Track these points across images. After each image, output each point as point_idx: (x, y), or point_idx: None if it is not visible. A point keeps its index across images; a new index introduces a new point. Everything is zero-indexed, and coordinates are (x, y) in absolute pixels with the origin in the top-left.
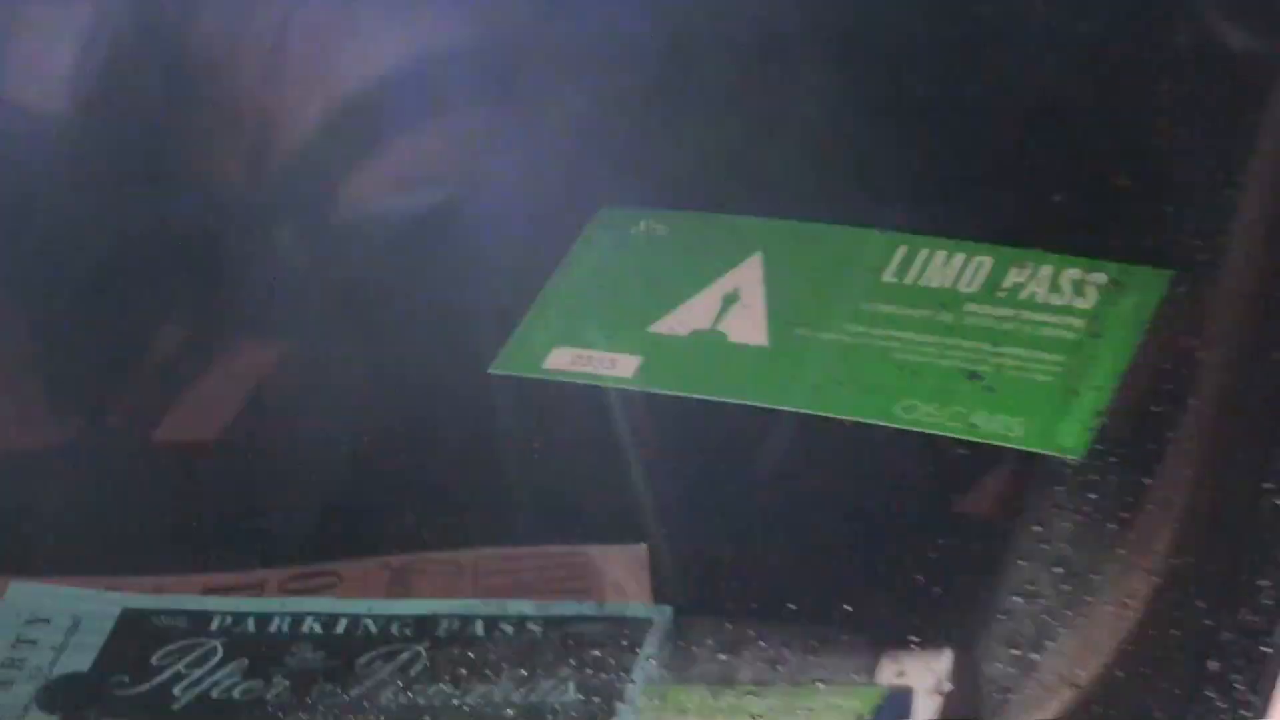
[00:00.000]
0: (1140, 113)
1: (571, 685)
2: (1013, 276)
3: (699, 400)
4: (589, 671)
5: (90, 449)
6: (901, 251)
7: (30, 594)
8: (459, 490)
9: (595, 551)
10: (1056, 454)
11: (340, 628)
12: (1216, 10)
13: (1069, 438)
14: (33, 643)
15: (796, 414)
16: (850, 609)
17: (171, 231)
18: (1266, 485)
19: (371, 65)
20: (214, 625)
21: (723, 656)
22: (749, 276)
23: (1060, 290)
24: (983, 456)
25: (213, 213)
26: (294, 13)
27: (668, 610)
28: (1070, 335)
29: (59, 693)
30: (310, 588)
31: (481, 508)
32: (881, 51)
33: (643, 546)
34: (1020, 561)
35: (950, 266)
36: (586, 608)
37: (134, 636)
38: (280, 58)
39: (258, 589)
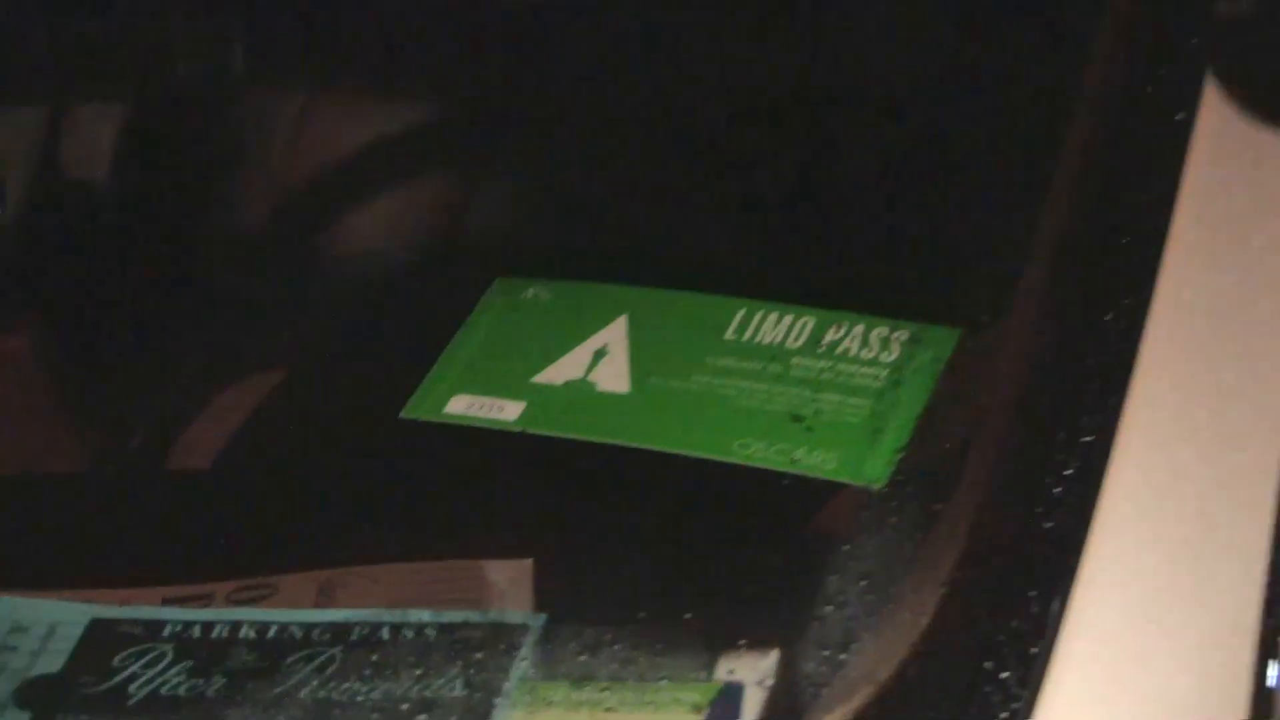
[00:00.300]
0: (934, 194)
1: (459, 682)
2: (831, 334)
3: (572, 440)
4: (473, 671)
5: (68, 475)
6: (740, 313)
7: (12, 606)
8: (376, 513)
9: (487, 565)
10: (863, 484)
11: (271, 633)
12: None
13: (874, 470)
14: (13, 649)
15: (652, 450)
16: (691, 616)
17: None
18: (1037, 510)
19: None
20: (166, 631)
21: (584, 657)
22: (616, 335)
23: (869, 345)
24: (803, 486)
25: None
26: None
27: (541, 617)
28: (876, 384)
29: (33, 692)
30: (251, 598)
31: (394, 528)
32: (723, 149)
33: (529, 561)
34: (831, 575)
35: (780, 325)
36: (474, 615)
37: (100, 642)
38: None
39: (208, 599)
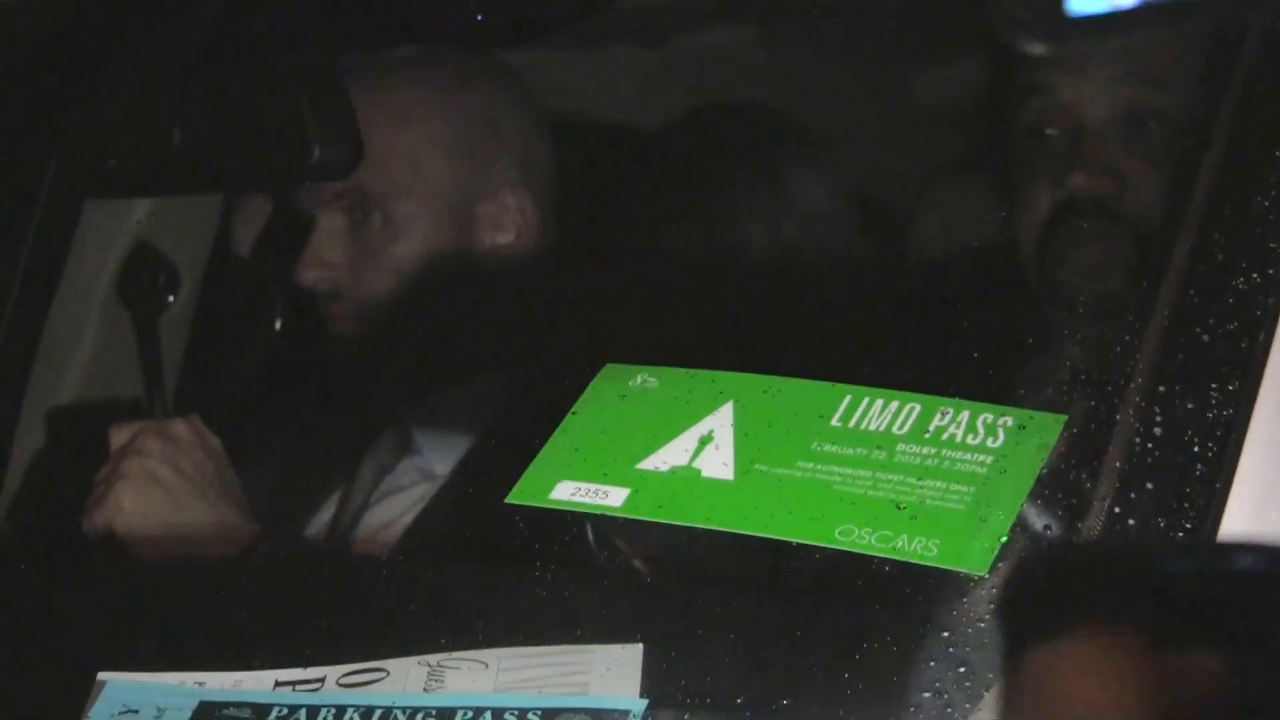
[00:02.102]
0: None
1: None
2: (937, 419)
3: (677, 526)
4: None
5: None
6: (847, 399)
7: (123, 689)
8: (486, 598)
9: (593, 650)
10: (965, 571)
11: (376, 717)
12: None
13: (976, 557)
14: None
15: (757, 537)
16: (788, 701)
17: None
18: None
19: None
20: (273, 715)
21: None
22: (721, 421)
23: (976, 431)
24: (905, 572)
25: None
26: None
27: (643, 703)
28: (982, 470)
29: None
30: (362, 681)
31: (503, 612)
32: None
33: (636, 646)
34: (931, 662)
35: (886, 412)
36: (577, 699)
37: None
38: None
39: (319, 682)
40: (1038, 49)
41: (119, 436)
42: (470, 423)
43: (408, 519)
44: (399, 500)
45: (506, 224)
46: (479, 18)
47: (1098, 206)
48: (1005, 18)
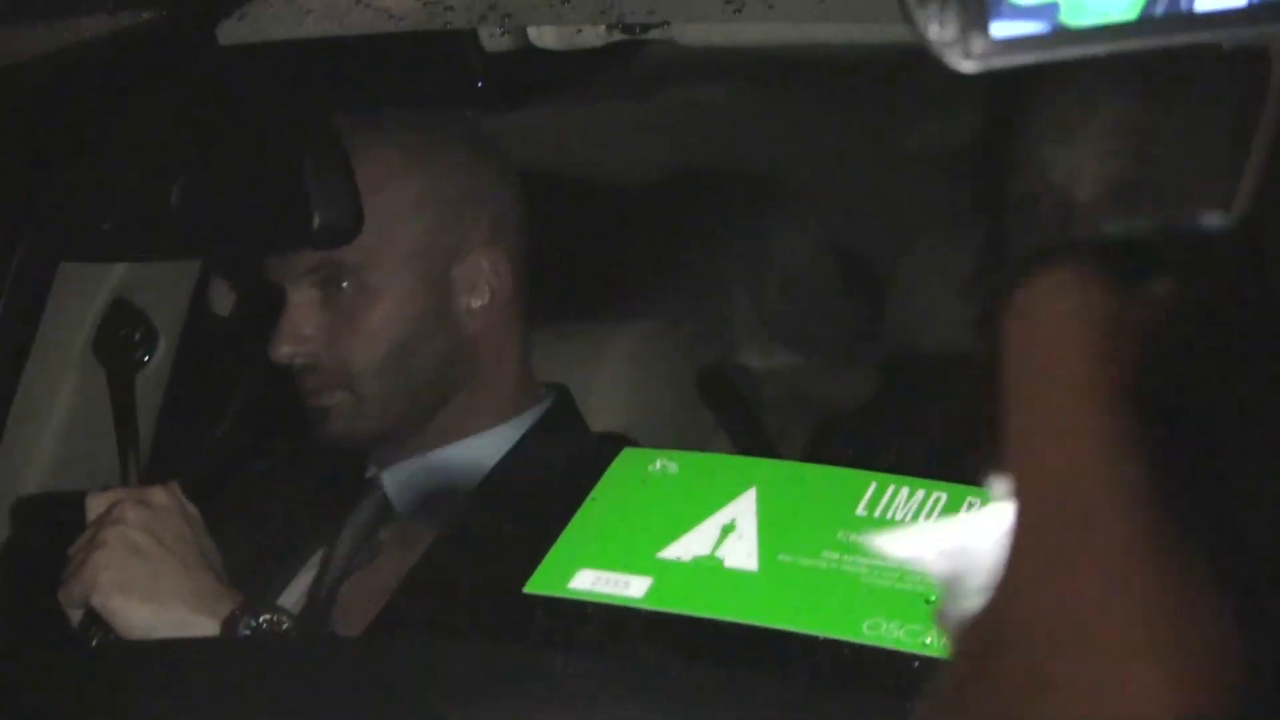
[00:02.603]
0: None
1: None
2: (965, 510)
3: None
4: None
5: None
6: (872, 488)
7: None
8: (503, 689)
9: None
10: None
11: None
12: None
13: None
14: None
15: (783, 631)
16: None
17: None
18: None
19: None
20: None
21: None
22: (744, 509)
23: None
24: (935, 669)
25: None
26: None
27: None
28: None
29: None
30: None
31: (520, 705)
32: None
33: None
34: None
35: (913, 501)
36: None
37: None
38: None
39: None
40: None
41: (96, 505)
42: (453, 488)
43: (388, 589)
44: (377, 572)
45: (482, 286)
46: (479, 85)
47: None
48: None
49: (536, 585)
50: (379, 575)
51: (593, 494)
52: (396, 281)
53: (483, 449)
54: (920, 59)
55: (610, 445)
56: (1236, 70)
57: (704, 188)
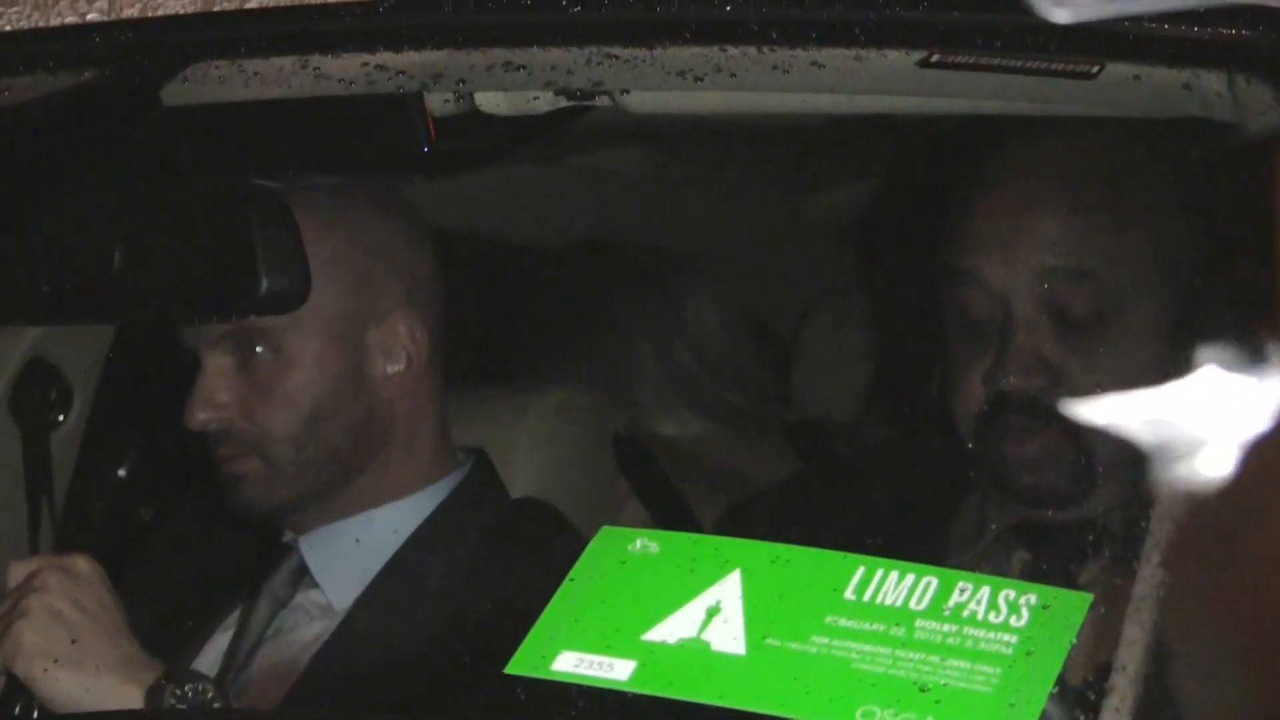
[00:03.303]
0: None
1: None
2: (956, 596)
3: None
4: None
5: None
6: (860, 571)
7: None
8: None
9: None
10: None
11: None
12: None
13: None
14: None
15: (774, 717)
16: None
17: None
18: None
19: None
20: None
21: None
22: (729, 591)
23: (997, 609)
24: None
25: None
26: None
27: None
28: (1006, 651)
29: None
30: None
31: None
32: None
33: None
34: None
35: (902, 585)
36: None
37: None
38: None
39: None
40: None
41: (17, 572)
42: (370, 556)
43: (304, 658)
44: (294, 639)
45: (397, 351)
46: (425, 150)
47: (1031, 404)
48: None
49: (518, 666)
50: (295, 643)
51: (571, 573)
52: (311, 347)
53: (400, 516)
54: (855, 128)
55: (529, 512)
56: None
57: (618, 253)
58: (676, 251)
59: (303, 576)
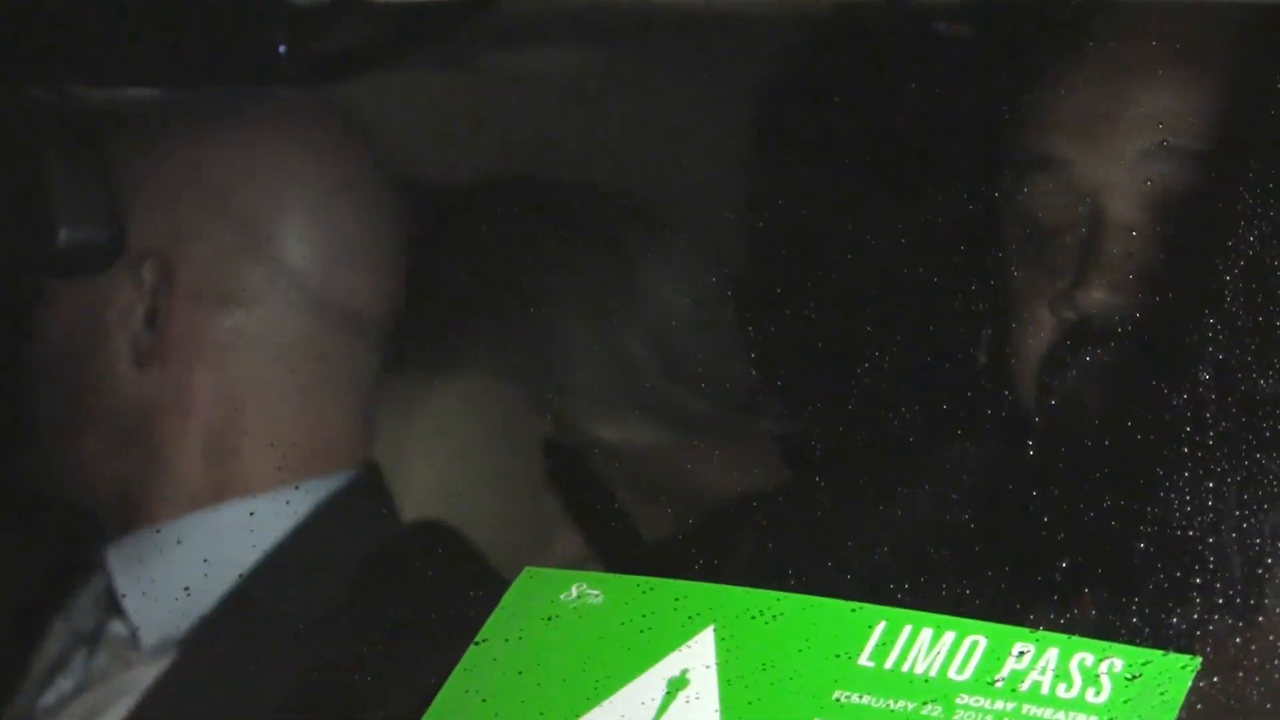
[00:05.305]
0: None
1: None
2: (1012, 662)
3: None
4: None
5: None
6: (880, 628)
7: None
8: None
9: None
10: None
11: None
12: None
13: None
14: None
15: None
16: None
17: None
18: None
19: None
20: None
21: None
22: (699, 657)
23: (1069, 679)
24: None
25: None
26: None
27: None
28: None
29: None
30: None
31: None
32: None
33: None
34: None
35: (938, 648)
36: None
37: None
38: None
39: None
40: None
41: None
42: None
43: None
44: (94, 697)
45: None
46: (281, 50)
47: (1119, 333)
48: None
49: None
50: (89, 706)
51: (481, 634)
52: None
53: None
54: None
55: (422, 541)
56: None
57: (547, 194)
58: (628, 194)
59: (109, 606)
